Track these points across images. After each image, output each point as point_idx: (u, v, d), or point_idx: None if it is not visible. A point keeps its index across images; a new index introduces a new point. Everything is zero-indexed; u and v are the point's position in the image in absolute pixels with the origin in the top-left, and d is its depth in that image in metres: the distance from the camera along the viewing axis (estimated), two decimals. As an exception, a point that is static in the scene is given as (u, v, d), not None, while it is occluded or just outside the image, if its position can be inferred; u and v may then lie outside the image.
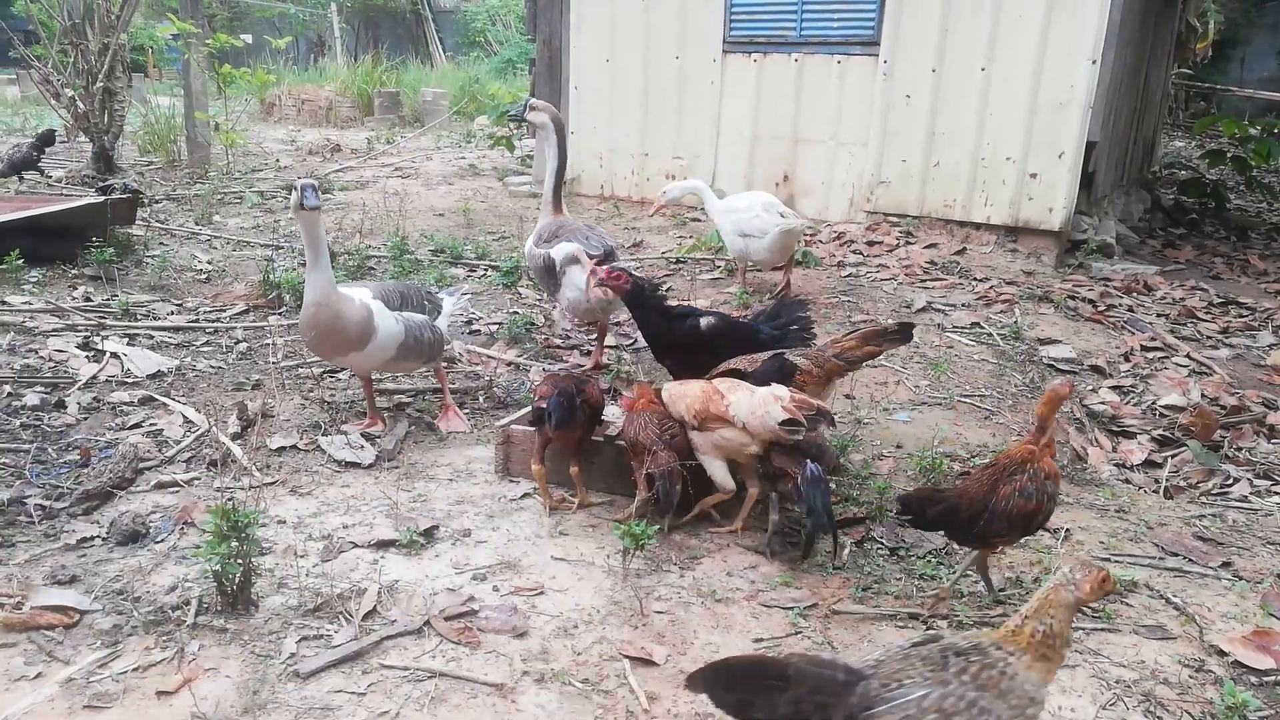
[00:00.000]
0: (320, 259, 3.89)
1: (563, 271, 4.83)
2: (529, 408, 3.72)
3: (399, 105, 17.04)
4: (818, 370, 3.79)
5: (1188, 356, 5.61)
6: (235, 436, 4.08)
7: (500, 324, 5.67)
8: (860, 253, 7.44)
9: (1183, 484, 4.22)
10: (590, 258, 4.67)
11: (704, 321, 3.98)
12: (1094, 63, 6.94)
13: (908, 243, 7.64)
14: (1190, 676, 2.74)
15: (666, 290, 6.45)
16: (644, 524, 3.03)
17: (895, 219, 7.92)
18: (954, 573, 3.20)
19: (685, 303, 5.66)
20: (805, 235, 7.72)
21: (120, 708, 2.44)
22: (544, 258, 4.95)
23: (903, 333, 3.90)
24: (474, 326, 5.69)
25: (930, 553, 3.41)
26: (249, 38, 19.47)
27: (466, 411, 4.53)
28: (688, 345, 3.96)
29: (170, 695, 2.48)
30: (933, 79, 7.54)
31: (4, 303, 5.38)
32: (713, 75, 8.55)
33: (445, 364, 5.07)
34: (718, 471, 3.40)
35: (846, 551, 3.39)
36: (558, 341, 5.51)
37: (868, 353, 3.92)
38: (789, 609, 3.01)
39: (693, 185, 6.52)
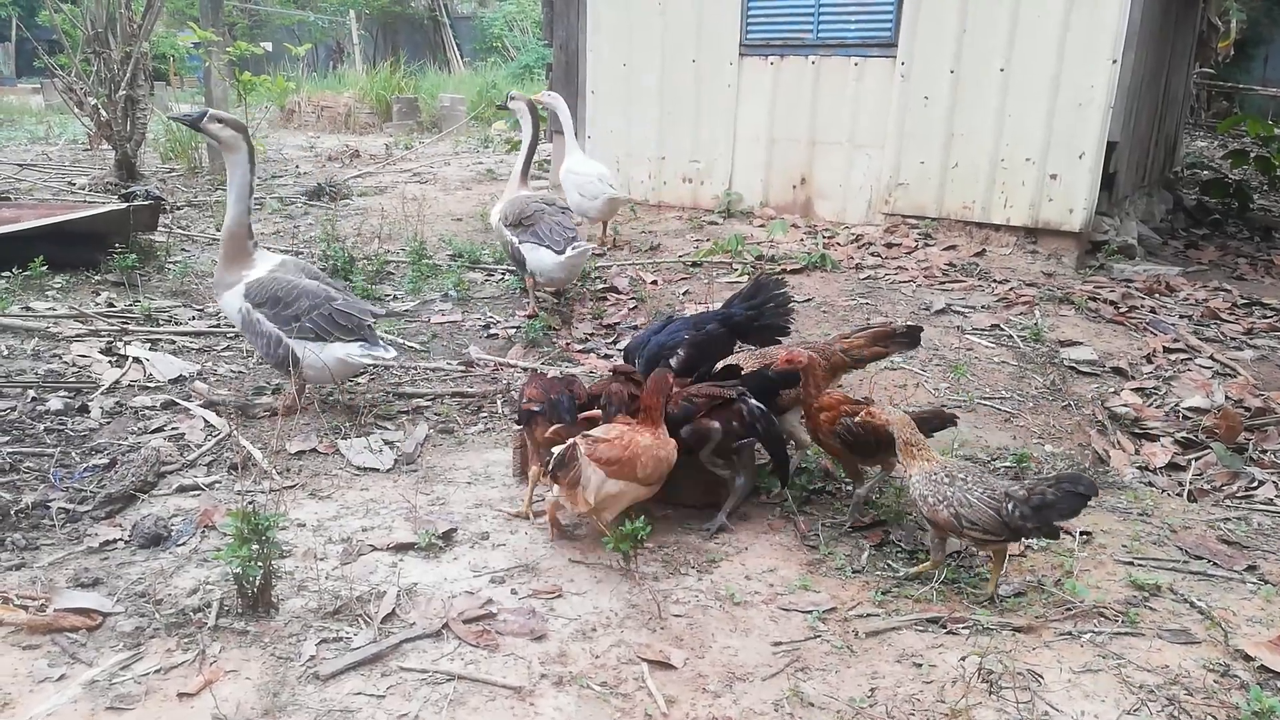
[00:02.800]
0: (232, 198, 4.14)
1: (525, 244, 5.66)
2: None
3: (417, 111, 17.15)
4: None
5: (1211, 358, 5.55)
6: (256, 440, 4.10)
7: (518, 328, 5.68)
8: (878, 255, 7.41)
9: (1207, 487, 4.17)
10: (547, 249, 5.43)
11: (674, 362, 3.91)
12: (1114, 62, 6.89)
13: (926, 245, 7.60)
14: (1215, 681, 2.70)
15: (684, 295, 6.46)
16: (640, 522, 3.00)
17: (913, 221, 7.88)
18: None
19: (676, 312, 5.69)
20: (825, 238, 7.75)
21: (142, 709, 2.46)
22: (513, 247, 5.81)
23: (910, 336, 3.94)
24: (491, 330, 5.70)
25: (949, 556, 3.39)
26: (269, 45, 19.71)
27: (484, 416, 4.54)
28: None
29: (191, 697, 2.50)
30: (951, 80, 7.50)
31: (28, 309, 5.44)
32: (729, 78, 8.54)
33: (461, 368, 5.09)
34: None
35: (865, 555, 3.38)
36: (576, 346, 5.52)
37: (875, 353, 3.94)
38: (808, 613, 2.99)
39: (566, 127, 7.69)
